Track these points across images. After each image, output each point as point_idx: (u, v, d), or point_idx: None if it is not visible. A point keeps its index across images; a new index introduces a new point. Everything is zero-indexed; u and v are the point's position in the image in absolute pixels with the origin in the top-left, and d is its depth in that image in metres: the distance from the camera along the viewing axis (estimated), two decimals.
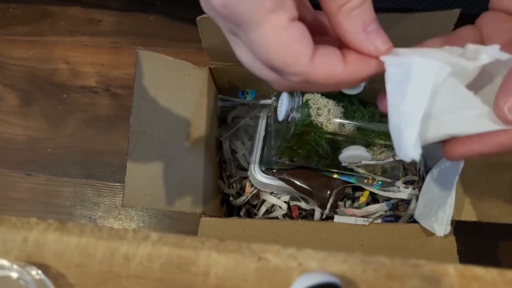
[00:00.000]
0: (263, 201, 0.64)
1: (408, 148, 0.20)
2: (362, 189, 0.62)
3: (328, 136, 0.51)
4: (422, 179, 0.62)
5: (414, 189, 0.61)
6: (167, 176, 0.52)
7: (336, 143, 0.52)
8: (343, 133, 0.50)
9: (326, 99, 0.50)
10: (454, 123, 0.21)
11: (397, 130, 0.21)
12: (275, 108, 0.54)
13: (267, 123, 0.65)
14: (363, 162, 0.53)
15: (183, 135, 0.56)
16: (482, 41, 0.24)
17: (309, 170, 0.59)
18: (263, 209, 0.64)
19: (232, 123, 0.70)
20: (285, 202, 0.63)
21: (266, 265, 0.24)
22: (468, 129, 0.21)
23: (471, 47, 0.22)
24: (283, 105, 0.51)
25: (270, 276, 0.24)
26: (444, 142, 0.23)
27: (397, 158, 0.54)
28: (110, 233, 0.25)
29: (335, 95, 0.51)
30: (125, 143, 0.54)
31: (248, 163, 0.65)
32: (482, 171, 0.50)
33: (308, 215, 0.63)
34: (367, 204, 0.62)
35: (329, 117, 0.49)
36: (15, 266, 0.23)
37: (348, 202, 0.64)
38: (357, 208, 0.62)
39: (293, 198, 0.63)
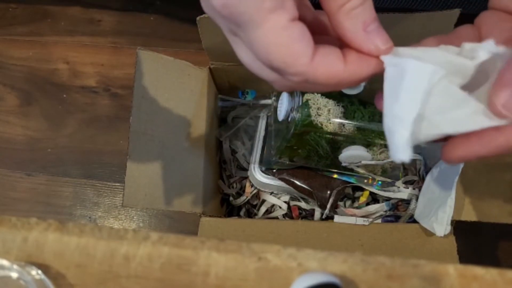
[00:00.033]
0: (263, 201, 0.64)
1: (398, 149, 0.21)
2: (362, 189, 0.62)
3: (328, 136, 0.51)
4: (422, 179, 0.62)
5: (414, 189, 0.61)
6: (167, 176, 0.52)
7: (336, 143, 0.52)
8: (343, 133, 0.50)
9: (326, 99, 0.50)
10: (447, 122, 0.21)
11: (389, 130, 0.21)
12: (275, 108, 0.54)
13: (267, 123, 0.65)
14: (363, 162, 0.53)
15: (183, 135, 0.56)
16: (481, 40, 0.24)
17: (309, 170, 0.59)
18: (263, 209, 0.64)
19: (232, 123, 0.70)
20: (285, 202, 0.63)
21: (266, 265, 0.24)
22: (461, 127, 0.21)
23: (467, 46, 0.22)
24: (283, 105, 0.51)
25: (270, 276, 0.24)
26: (443, 146, 0.23)
27: None
28: (110, 233, 0.25)
29: (335, 95, 0.51)
30: (125, 143, 0.54)
31: (248, 163, 0.65)
32: (482, 171, 0.50)
33: (308, 215, 0.63)
34: (367, 204, 0.62)
35: (329, 117, 0.49)
36: (15, 266, 0.23)
37: (348, 202, 0.64)
38: (357, 208, 0.62)
39: (293, 198, 0.63)
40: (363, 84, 0.42)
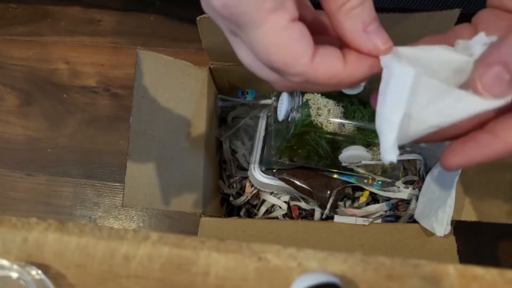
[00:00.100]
0: (263, 201, 0.64)
1: (386, 151, 0.21)
2: (362, 189, 0.62)
3: (328, 136, 0.51)
4: (422, 179, 0.62)
5: (414, 189, 0.61)
6: (167, 176, 0.52)
7: (336, 143, 0.52)
8: (343, 133, 0.50)
9: (326, 99, 0.50)
10: (433, 114, 0.21)
11: (379, 132, 0.22)
12: (275, 108, 0.54)
13: (267, 123, 0.65)
14: (363, 162, 0.53)
15: (183, 135, 0.56)
16: None
17: (309, 170, 0.59)
18: (263, 209, 0.64)
19: (232, 123, 0.70)
20: (285, 202, 0.63)
21: (266, 265, 0.24)
22: (448, 117, 0.21)
23: (461, 43, 0.22)
24: (283, 105, 0.51)
25: (270, 276, 0.24)
26: (441, 153, 0.23)
27: None
28: (110, 233, 0.25)
29: (335, 95, 0.51)
30: (125, 143, 0.54)
31: (248, 163, 0.65)
32: (482, 171, 0.50)
33: (308, 215, 0.63)
34: (367, 204, 0.62)
35: (329, 117, 0.49)
36: (15, 266, 0.23)
37: (348, 202, 0.64)
38: (357, 208, 0.62)
39: (293, 198, 0.63)
40: (363, 84, 0.42)
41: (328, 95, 0.51)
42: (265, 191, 0.63)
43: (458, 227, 0.51)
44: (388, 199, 0.62)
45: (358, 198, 0.63)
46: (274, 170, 0.60)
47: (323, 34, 0.25)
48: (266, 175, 0.60)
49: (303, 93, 0.50)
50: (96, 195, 0.83)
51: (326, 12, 0.22)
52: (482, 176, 0.50)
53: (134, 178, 0.47)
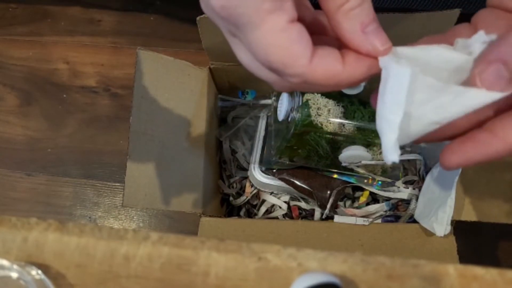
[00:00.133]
0: (263, 201, 0.64)
1: (387, 151, 0.21)
2: (362, 189, 0.62)
3: (328, 136, 0.51)
4: (422, 179, 0.62)
5: (414, 189, 0.61)
6: (167, 176, 0.52)
7: (336, 143, 0.52)
8: (343, 133, 0.50)
9: (326, 99, 0.50)
10: (432, 111, 0.21)
11: (380, 132, 0.22)
12: (275, 108, 0.54)
13: (267, 123, 0.65)
14: (363, 162, 0.53)
15: (183, 135, 0.56)
16: None
17: (309, 170, 0.59)
18: (263, 209, 0.64)
19: (232, 123, 0.70)
20: (285, 202, 0.63)
21: (266, 265, 0.24)
22: (447, 113, 0.21)
23: (461, 41, 0.22)
24: (283, 105, 0.51)
25: (270, 276, 0.24)
26: (441, 152, 0.23)
27: None
28: (110, 233, 0.25)
29: (335, 95, 0.51)
30: (125, 143, 0.54)
31: (248, 163, 0.65)
32: (482, 171, 0.50)
33: (308, 215, 0.63)
34: (367, 204, 0.62)
35: (329, 117, 0.49)
36: (15, 266, 0.23)
37: (348, 202, 0.64)
38: (357, 208, 0.62)
39: (293, 198, 0.63)
40: (363, 84, 0.42)
41: (328, 95, 0.51)
42: (265, 191, 0.63)
43: (458, 227, 0.51)
44: (388, 199, 0.62)
45: (358, 198, 0.63)
46: (274, 170, 0.60)
47: (322, 34, 0.25)
48: (266, 175, 0.60)
49: (303, 93, 0.50)
50: (96, 195, 0.83)
51: (325, 12, 0.22)
52: (482, 176, 0.50)
53: (134, 178, 0.47)
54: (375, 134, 0.50)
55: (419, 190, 0.59)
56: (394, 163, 0.59)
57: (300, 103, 0.49)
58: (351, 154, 0.52)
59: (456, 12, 0.48)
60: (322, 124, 0.49)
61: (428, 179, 0.57)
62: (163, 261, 0.24)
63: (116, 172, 0.84)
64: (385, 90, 0.21)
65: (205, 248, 0.24)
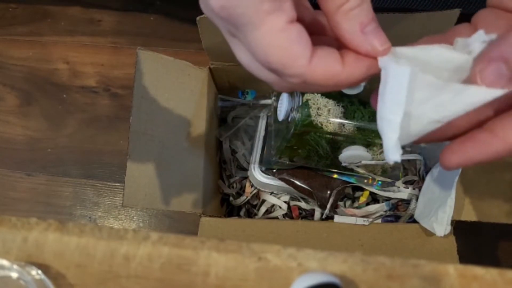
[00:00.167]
0: (263, 201, 0.64)
1: (389, 151, 0.21)
2: (362, 189, 0.62)
3: (328, 136, 0.51)
4: (422, 179, 0.62)
5: (414, 189, 0.61)
6: (167, 176, 0.52)
7: (336, 143, 0.52)
8: (343, 133, 0.50)
9: (326, 99, 0.50)
10: (432, 110, 0.21)
11: (381, 132, 0.22)
12: (275, 108, 0.54)
13: (267, 123, 0.65)
14: (363, 162, 0.53)
15: (183, 135, 0.56)
16: None
17: (309, 170, 0.59)
18: (263, 209, 0.64)
19: (232, 123, 0.70)
20: (285, 202, 0.63)
21: (266, 265, 0.24)
22: (447, 111, 0.21)
23: (460, 41, 0.22)
24: (283, 105, 0.51)
25: (270, 276, 0.24)
26: (441, 152, 0.23)
27: None
28: (110, 233, 0.25)
29: (335, 95, 0.51)
30: (125, 143, 0.54)
31: (248, 163, 0.65)
32: (482, 171, 0.50)
33: (308, 215, 0.63)
34: (367, 204, 0.62)
35: (329, 117, 0.49)
36: (15, 266, 0.23)
37: (348, 202, 0.64)
38: (357, 208, 0.62)
39: (293, 198, 0.63)
40: (363, 84, 0.42)
41: (328, 95, 0.51)
42: (265, 191, 0.63)
43: (458, 227, 0.51)
44: (388, 199, 0.62)
45: (358, 198, 0.63)
46: (274, 170, 0.60)
47: (322, 34, 0.25)
48: (266, 175, 0.60)
49: (303, 93, 0.50)
50: (96, 195, 0.83)
51: (324, 13, 0.22)
52: (482, 176, 0.50)
53: (134, 178, 0.47)
54: (375, 134, 0.50)
55: (419, 190, 0.59)
56: (395, 163, 0.59)
57: (300, 103, 0.49)
58: (351, 154, 0.52)
59: (456, 12, 0.48)
60: (322, 124, 0.49)
61: (428, 179, 0.57)
62: (163, 261, 0.24)
63: (116, 172, 0.84)
64: (385, 90, 0.21)
65: (205, 248, 0.24)
